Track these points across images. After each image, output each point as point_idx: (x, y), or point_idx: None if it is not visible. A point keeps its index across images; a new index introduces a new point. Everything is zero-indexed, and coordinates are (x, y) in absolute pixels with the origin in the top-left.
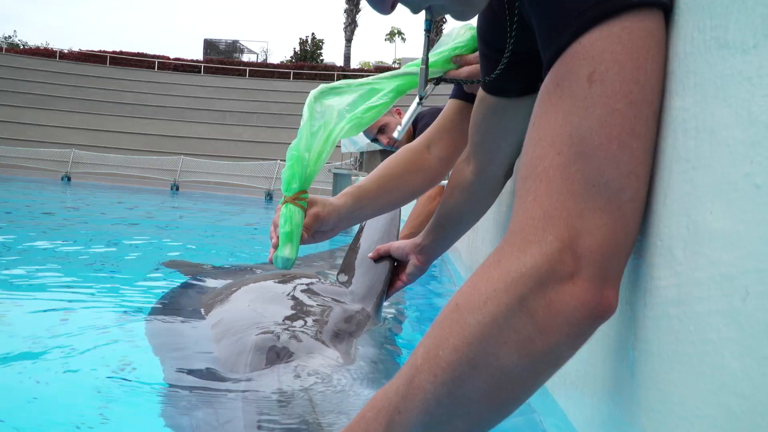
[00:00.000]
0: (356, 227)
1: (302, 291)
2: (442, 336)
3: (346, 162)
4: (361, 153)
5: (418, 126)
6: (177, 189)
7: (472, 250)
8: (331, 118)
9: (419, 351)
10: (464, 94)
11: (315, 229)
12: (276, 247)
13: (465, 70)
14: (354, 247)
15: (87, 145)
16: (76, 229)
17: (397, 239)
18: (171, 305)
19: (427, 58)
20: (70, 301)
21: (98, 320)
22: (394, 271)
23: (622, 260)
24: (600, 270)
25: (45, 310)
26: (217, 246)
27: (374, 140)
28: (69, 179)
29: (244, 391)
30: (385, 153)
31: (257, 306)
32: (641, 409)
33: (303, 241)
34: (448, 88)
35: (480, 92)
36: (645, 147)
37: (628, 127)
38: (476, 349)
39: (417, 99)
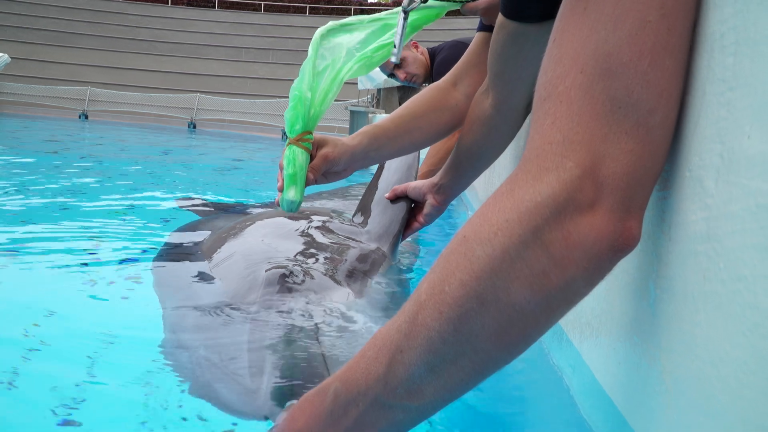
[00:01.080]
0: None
1: (317, 228)
2: (449, 270)
3: (363, 99)
4: (379, 90)
5: (435, 60)
6: (194, 127)
7: (489, 187)
8: (339, 56)
9: (423, 286)
10: (490, 26)
11: (325, 170)
12: (281, 190)
13: (483, 1)
14: (371, 188)
15: (104, 83)
16: (93, 167)
17: (416, 177)
18: (181, 242)
19: None
20: (84, 238)
21: (110, 256)
22: (411, 212)
23: (647, 190)
24: (623, 199)
25: (61, 250)
26: (233, 184)
27: (391, 75)
28: (86, 117)
29: (251, 329)
30: (403, 89)
31: (270, 241)
32: (662, 350)
33: (309, 183)
34: (469, 23)
35: (499, 18)
36: (678, 65)
37: (661, 41)
38: (485, 284)
39: (401, 13)
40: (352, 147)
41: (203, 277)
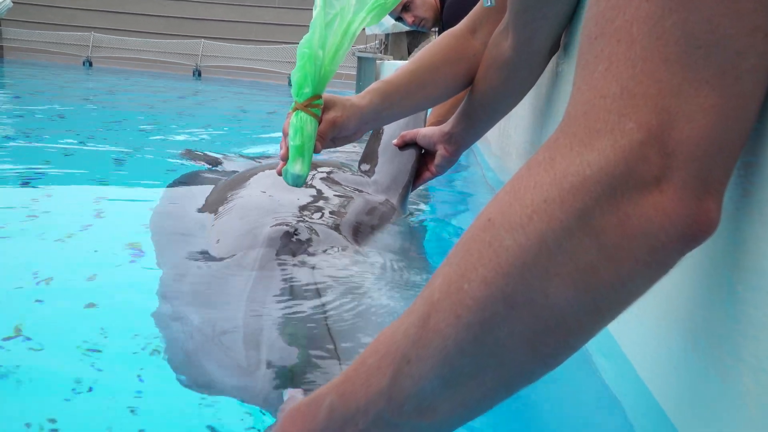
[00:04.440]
0: None
1: (321, 179)
2: (469, 263)
3: (371, 45)
4: (387, 35)
5: (445, 1)
6: (199, 75)
7: (503, 139)
8: (349, 3)
9: (437, 282)
10: None
11: (332, 136)
12: (285, 159)
13: None
14: (377, 133)
15: (107, 28)
16: (96, 116)
17: (425, 125)
18: (181, 195)
19: None
20: (84, 187)
21: (108, 209)
22: (422, 161)
23: (730, 159)
24: (699, 173)
25: (61, 197)
26: (238, 134)
27: (399, 19)
28: (90, 64)
29: (249, 296)
30: (411, 34)
31: (272, 194)
32: (744, 364)
33: (316, 151)
34: None
35: None
36: None
37: None
38: (516, 282)
39: None
40: (361, 108)
41: (201, 233)
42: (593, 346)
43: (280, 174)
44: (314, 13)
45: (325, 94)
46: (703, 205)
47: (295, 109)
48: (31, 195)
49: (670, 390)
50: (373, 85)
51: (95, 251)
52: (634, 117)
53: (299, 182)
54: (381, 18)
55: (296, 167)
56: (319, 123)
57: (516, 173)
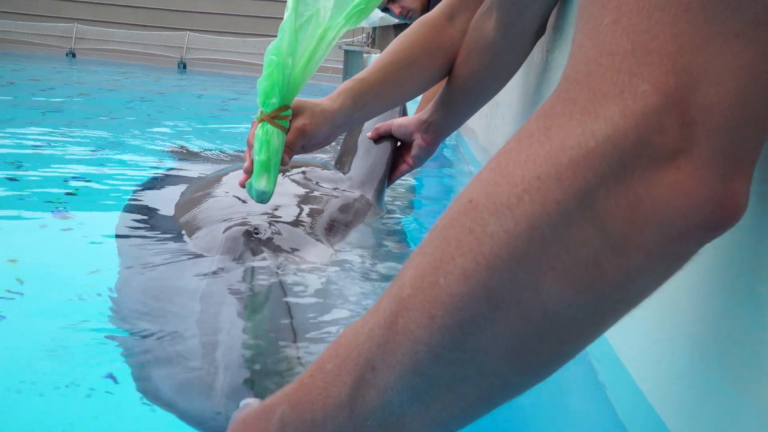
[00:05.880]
0: None
1: (293, 176)
2: (446, 253)
3: (358, 38)
4: (374, 28)
5: None
6: (184, 67)
7: (491, 129)
8: (325, 5)
9: (408, 274)
10: None
11: (302, 144)
12: (249, 172)
13: None
14: (356, 129)
15: (91, 20)
16: (78, 111)
17: (400, 116)
18: (152, 193)
19: None
20: (65, 183)
21: (91, 208)
22: (399, 152)
23: (764, 130)
24: (726, 146)
25: (37, 193)
26: (223, 127)
27: (385, 10)
28: (74, 55)
29: (205, 301)
30: (399, 27)
31: (239, 193)
32: (767, 378)
33: (284, 164)
34: None
35: None
36: None
37: None
38: (502, 277)
39: None
40: (333, 113)
41: (164, 234)
42: (585, 350)
43: (243, 186)
44: (285, 15)
45: (295, 99)
46: (729, 186)
47: (261, 120)
48: (9, 186)
49: (674, 404)
50: (346, 85)
51: (69, 243)
52: (649, 77)
53: (264, 198)
54: (360, 22)
55: (261, 183)
56: (287, 132)
57: (503, 146)
